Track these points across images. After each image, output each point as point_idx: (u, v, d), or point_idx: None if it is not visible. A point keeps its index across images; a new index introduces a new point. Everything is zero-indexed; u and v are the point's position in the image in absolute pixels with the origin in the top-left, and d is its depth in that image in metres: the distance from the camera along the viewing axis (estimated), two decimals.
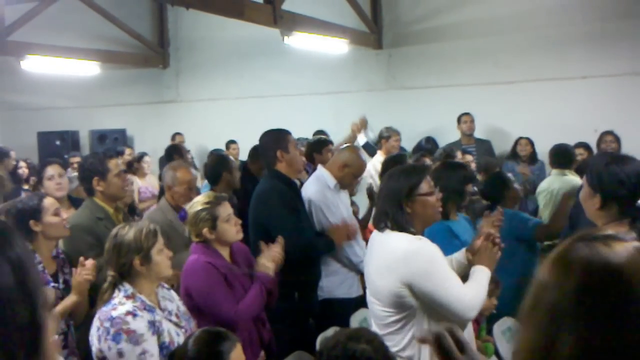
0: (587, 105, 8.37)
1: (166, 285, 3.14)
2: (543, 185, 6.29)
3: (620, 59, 8.32)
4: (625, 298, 1.12)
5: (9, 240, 1.10)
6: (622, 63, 8.31)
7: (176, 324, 2.96)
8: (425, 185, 2.94)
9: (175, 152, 7.61)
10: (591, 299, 1.12)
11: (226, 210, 3.36)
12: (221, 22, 8.04)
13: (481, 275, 2.90)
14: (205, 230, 3.29)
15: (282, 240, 3.58)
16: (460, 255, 3.20)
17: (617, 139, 7.19)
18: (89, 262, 3.30)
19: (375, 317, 2.98)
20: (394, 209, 2.89)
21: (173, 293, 3.16)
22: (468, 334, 3.03)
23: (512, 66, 8.94)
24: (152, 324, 2.82)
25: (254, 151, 6.18)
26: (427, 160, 5.89)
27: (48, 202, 3.56)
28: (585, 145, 7.40)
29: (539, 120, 8.52)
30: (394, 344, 2.78)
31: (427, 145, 8.47)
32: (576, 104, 8.48)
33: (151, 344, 2.76)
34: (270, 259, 3.44)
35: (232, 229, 3.38)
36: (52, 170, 4.85)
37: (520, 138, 8.19)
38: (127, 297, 2.85)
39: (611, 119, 7.59)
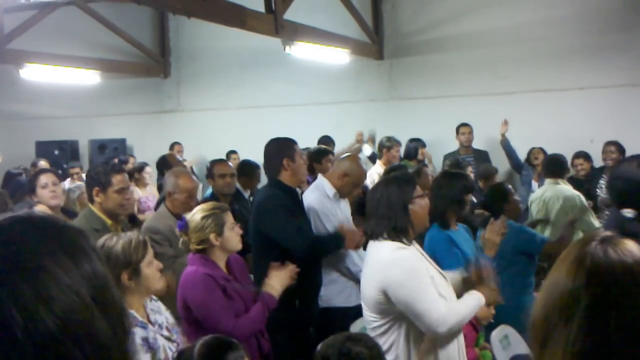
0: (583, 116, 8.44)
1: (154, 297, 3.07)
2: (536, 194, 6.36)
3: (616, 70, 8.40)
4: (622, 296, 1.17)
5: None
6: (618, 74, 8.40)
7: (168, 339, 2.90)
8: (419, 189, 3.09)
9: (165, 166, 7.50)
10: (630, 293, 1.17)
11: (230, 218, 3.38)
12: (223, 31, 8.07)
13: (471, 298, 2.97)
14: (212, 236, 3.26)
15: (294, 265, 3.56)
16: (456, 276, 3.25)
17: (620, 149, 7.21)
18: None
19: (365, 321, 3.09)
20: (399, 214, 2.96)
21: (160, 304, 3.08)
22: (460, 344, 3.07)
23: (510, 77, 9.01)
24: (145, 340, 2.75)
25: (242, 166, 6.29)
26: (427, 171, 5.92)
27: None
28: (585, 155, 7.51)
29: (536, 131, 8.59)
30: None
31: (418, 144, 8.53)
32: (573, 114, 8.56)
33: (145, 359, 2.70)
34: (279, 281, 3.42)
35: (236, 237, 3.38)
36: (45, 178, 4.79)
37: (534, 148, 8.21)
38: None
39: (607, 130, 7.64)
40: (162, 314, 3.03)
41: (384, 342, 2.90)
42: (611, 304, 1.16)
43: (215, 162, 5.89)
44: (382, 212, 3.02)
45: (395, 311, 2.88)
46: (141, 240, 2.89)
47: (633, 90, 8.34)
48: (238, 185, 6.10)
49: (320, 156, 6.03)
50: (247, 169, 6.47)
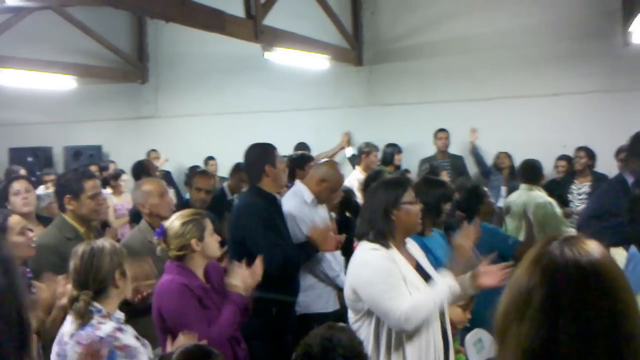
0: (557, 122, 8.60)
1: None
2: (510, 199, 6.43)
3: (588, 77, 8.61)
4: (608, 288, 1.23)
5: None
6: (591, 80, 8.60)
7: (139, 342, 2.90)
8: (409, 195, 3.09)
9: (142, 172, 7.40)
10: (580, 294, 1.21)
11: (210, 224, 3.36)
12: (202, 37, 8.05)
13: (437, 287, 2.98)
14: (193, 242, 3.23)
15: (261, 258, 3.52)
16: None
17: (590, 155, 7.35)
18: (52, 278, 3.19)
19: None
20: (379, 218, 3.01)
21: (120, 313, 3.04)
22: (436, 347, 3.07)
23: (487, 83, 9.15)
24: (137, 339, 2.80)
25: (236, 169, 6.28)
26: (410, 177, 5.96)
27: (13, 220, 3.42)
28: (567, 159, 7.78)
29: (512, 136, 8.74)
30: None
31: (394, 150, 8.61)
32: (547, 120, 8.73)
33: (145, 357, 2.73)
34: (239, 278, 3.37)
35: (216, 243, 3.36)
36: (18, 185, 4.70)
37: (500, 152, 8.32)
38: (103, 316, 2.78)
39: (581, 135, 7.76)
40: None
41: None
42: (561, 302, 1.21)
43: (197, 174, 5.83)
44: (366, 214, 3.12)
45: (364, 308, 2.98)
46: (120, 247, 2.95)
47: (604, 97, 8.54)
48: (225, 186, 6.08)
49: (303, 162, 5.99)
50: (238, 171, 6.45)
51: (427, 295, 2.95)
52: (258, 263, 3.46)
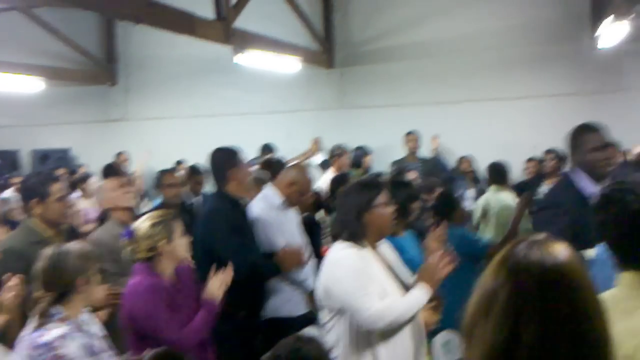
0: (528, 124, 8.74)
1: (86, 310, 3.02)
2: (480, 201, 6.55)
3: (558, 79, 8.80)
4: (571, 289, 1.26)
5: None
6: (560, 83, 8.79)
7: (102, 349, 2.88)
8: (382, 197, 3.09)
9: (111, 174, 7.32)
10: (542, 294, 1.24)
11: (179, 226, 3.33)
12: (172, 39, 8.01)
13: (413, 293, 2.99)
14: (162, 243, 3.20)
15: (231, 265, 3.50)
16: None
17: (559, 157, 7.44)
18: (15, 279, 3.15)
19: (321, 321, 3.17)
20: (352, 219, 3.02)
21: (92, 317, 3.05)
22: (407, 344, 3.09)
23: (457, 86, 9.25)
24: (87, 347, 2.74)
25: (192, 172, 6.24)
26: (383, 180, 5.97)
27: None
28: (536, 160, 7.89)
29: (482, 138, 8.85)
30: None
31: (361, 152, 8.67)
32: (517, 122, 8.87)
33: None
34: (218, 286, 3.36)
35: (185, 245, 3.34)
36: None
37: (462, 157, 8.43)
38: (60, 320, 2.75)
39: (550, 137, 7.83)
40: (92, 326, 2.99)
41: (331, 338, 2.99)
42: (524, 302, 1.23)
43: (164, 172, 5.83)
44: (340, 216, 3.16)
45: (336, 307, 2.98)
46: (90, 250, 2.93)
47: (573, 99, 8.70)
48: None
49: (281, 166, 5.93)
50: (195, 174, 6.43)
51: (402, 298, 2.97)
52: (228, 270, 3.44)
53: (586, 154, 3.53)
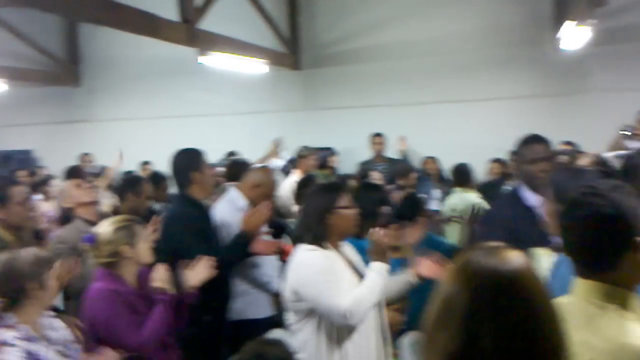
0: (492, 125, 8.81)
1: (51, 314, 3.03)
2: (446, 203, 6.62)
3: (522, 82, 8.93)
4: (526, 295, 1.29)
5: None
6: (523, 86, 8.92)
7: (61, 353, 2.85)
8: (344, 200, 3.12)
9: (74, 176, 7.21)
10: (497, 300, 1.26)
11: (142, 230, 3.33)
12: (137, 40, 7.93)
13: (370, 275, 3.06)
14: (124, 248, 3.20)
15: (208, 259, 3.48)
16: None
17: None
18: None
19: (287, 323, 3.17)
20: (316, 221, 3.06)
21: (58, 322, 3.03)
22: (372, 343, 3.14)
23: (423, 88, 9.35)
24: (31, 354, 2.71)
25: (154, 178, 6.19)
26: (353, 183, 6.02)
27: None
28: (501, 161, 7.97)
29: (447, 140, 8.95)
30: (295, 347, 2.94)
31: (327, 153, 8.74)
32: (482, 124, 8.97)
33: None
34: (162, 278, 3.33)
35: (147, 249, 3.32)
36: None
37: (426, 157, 8.51)
38: (7, 327, 2.72)
39: (514, 138, 7.92)
40: (59, 331, 2.97)
41: (298, 340, 3.01)
42: (484, 308, 1.26)
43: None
44: (304, 218, 3.17)
45: (305, 309, 3.00)
46: (46, 255, 2.90)
47: (536, 101, 8.84)
48: None
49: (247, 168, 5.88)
50: (156, 180, 6.34)
51: (364, 287, 3.00)
52: (203, 262, 3.43)
53: (525, 166, 3.60)
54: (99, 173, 8.90)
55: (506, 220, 3.48)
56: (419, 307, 3.52)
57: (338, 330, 3.01)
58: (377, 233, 3.23)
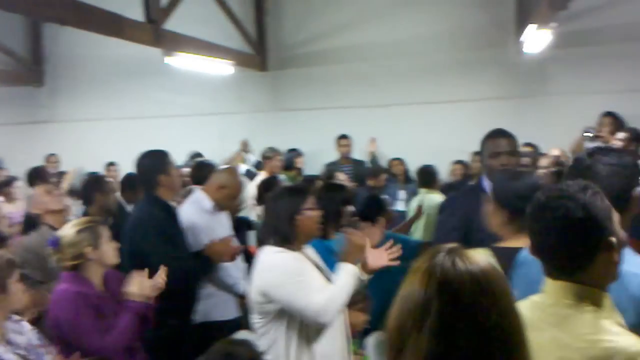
0: (456, 127, 8.90)
1: (16, 317, 2.99)
2: (412, 204, 6.69)
3: (485, 84, 9.03)
4: (497, 293, 1.31)
5: None
6: (487, 88, 9.02)
7: (23, 357, 2.81)
8: (310, 202, 3.18)
9: (36, 178, 7.13)
10: (474, 302, 1.28)
11: (106, 231, 3.31)
12: (102, 39, 7.85)
13: (341, 275, 3.09)
14: (88, 250, 3.17)
15: (164, 269, 3.46)
16: None
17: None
18: None
19: (253, 326, 3.17)
20: (284, 223, 3.09)
21: (24, 326, 3.00)
22: (340, 343, 3.18)
23: (389, 90, 9.41)
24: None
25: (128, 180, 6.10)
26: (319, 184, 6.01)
27: None
28: (463, 163, 8.15)
29: (413, 141, 9.02)
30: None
31: (293, 154, 8.78)
32: (447, 125, 9.05)
33: None
34: (138, 286, 3.32)
35: (112, 251, 3.31)
36: None
37: (393, 159, 8.59)
38: None
39: (477, 139, 8.03)
40: (25, 335, 2.93)
41: (265, 342, 3.02)
42: (460, 310, 1.26)
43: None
44: (271, 221, 3.17)
45: (274, 310, 3.01)
46: (8, 258, 2.85)
47: (499, 103, 8.93)
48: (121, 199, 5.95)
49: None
50: (131, 183, 6.30)
51: (335, 287, 3.04)
52: (161, 273, 3.41)
53: (487, 159, 3.66)
54: (61, 175, 8.81)
55: (464, 209, 3.55)
56: (381, 307, 3.58)
57: (306, 331, 3.03)
58: (354, 235, 3.28)
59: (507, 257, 2.30)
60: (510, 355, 1.28)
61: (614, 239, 1.72)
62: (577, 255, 1.73)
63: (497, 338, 1.27)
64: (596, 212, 1.71)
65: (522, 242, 2.85)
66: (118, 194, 6.53)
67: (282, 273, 2.99)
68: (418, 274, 1.33)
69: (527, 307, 1.79)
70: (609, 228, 1.73)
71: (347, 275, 3.08)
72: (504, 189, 2.94)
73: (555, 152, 6.55)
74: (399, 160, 8.64)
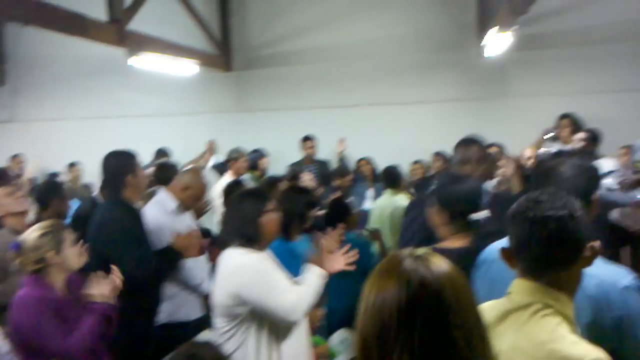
0: (420, 128, 9.05)
1: None
2: (376, 204, 6.74)
3: (448, 86, 9.15)
4: (464, 296, 1.36)
5: None
6: (449, 89, 9.14)
7: None
8: (271, 204, 3.22)
9: None
10: (458, 302, 1.34)
11: (70, 235, 3.29)
12: (64, 39, 7.79)
13: (309, 277, 3.15)
14: (50, 254, 3.16)
15: (115, 268, 3.45)
16: None
17: (445, 159, 7.75)
18: None
19: (216, 328, 3.15)
20: (249, 225, 3.11)
21: None
22: (304, 341, 3.24)
23: (353, 91, 9.49)
24: None
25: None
26: (283, 185, 6.04)
27: None
28: (420, 163, 8.21)
29: (378, 142, 9.12)
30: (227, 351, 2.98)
31: (257, 155, 8.77)
32: (411, 126, 9.17)
33: None
34: (102, 288, 3.32)
35: (76, 255, 3.29)
36: None
37: (361, 159, 8.65)
38: None
39: (439, 140, 8.15)
40: None
41: (232, 345, 3.02)
42: (447, 308, 1.32)
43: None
44: (235, 223, 3.17)
45: (244, 313, 3.00)
46: None
47: (461, 105, 9.07)
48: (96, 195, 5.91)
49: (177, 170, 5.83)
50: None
51: (304, 286, 3.09)
52: (116, 272, 3.40)
53: (456, 166, 3.76)
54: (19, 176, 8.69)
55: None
56: (344, 306, 3.63)
57: (275, 332, 3.06)
58: (327, 239, 3.34)
59: (447, 256, 2.38)
60: (475, 348, 1.34)
61: (594, 247, 1.76)
62: (557, 260, 1.76)
63: (467, 333, 1.32)
64: (583, 221, 1.76)
65: (460, 242, 2.98)
66: (97, 193, 6.48)
67: (253, 274, 2.99)
68: (391, 279, 1.36)
69: (491, 309, 1.85)
70: (588, 237, 1.77)
71: (315, 277, 3.14)
72: (445, 192, 3.09)
73: (528, 152, 6.65)
74: (366, 160, 8.70)
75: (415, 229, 3.66)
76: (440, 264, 1.39)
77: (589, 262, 1.77)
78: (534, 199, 1.79)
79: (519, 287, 1.82)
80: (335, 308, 3.85)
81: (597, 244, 1.78)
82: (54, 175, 8.18)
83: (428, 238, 3.36)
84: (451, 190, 3.08)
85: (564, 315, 1.75)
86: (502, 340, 1.74)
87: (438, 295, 1.32)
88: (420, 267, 1.36)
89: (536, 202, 1.77)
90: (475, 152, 3.74)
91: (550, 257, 1.75)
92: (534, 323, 1.74)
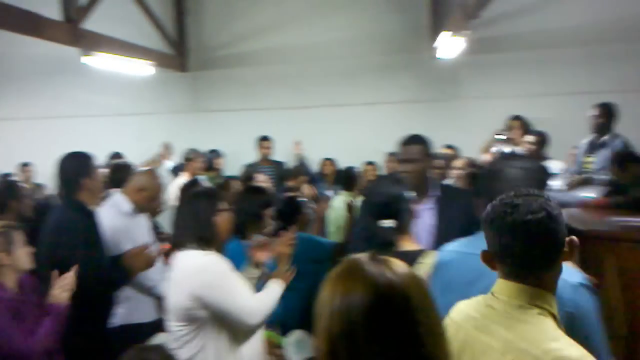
0: (374, 129, 9.14)
1: None
2: (332, 205, 6.72)
3: (401, 87, 9.31)
4: (424, 297, 1.40)
5: None
6: (403, 91, 9.30)
7: None
8: (223, 204, 3.20)
9: None
10: (424, 304, 1.39)
11: (21, 236, 3.28)
12: (16, 38, 7.69)
13: (271, 286, 3.22)
14: (2, 255, 3.16)
15: (75, 269, 3.43)
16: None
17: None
18: None
19: (170, 332, 3.08)
20: (206, 225, 3.08)
21: None
22: (260, 342, 3.26)
23: (309, 92, 9.57)
24: None
25: None
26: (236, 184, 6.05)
27: None
28: (374, 163, 8.30)
29: (333, 143, 9.22)
30: (184, 356, 2.94)
31: (213, 155, 8.83)
32: (365, 127, 9.27)
33: None
34: (62, 289, 3.32)
35: (27, 256, 3.28)
36: None
37: (325, 159, 8.72)
38: None
39: (393, 142, 8.24)
40: None
41: (191, 350, 2.97)
42: (414, 308, 1.36)
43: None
44: (189, 223, 3.12)
45: (202, 316, 2.95)
46: None
47: (414, 106, 9.23)
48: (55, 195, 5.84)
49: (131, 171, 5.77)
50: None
51: (265, 293, 3.14)
52: (69, 274, 3.39)
53: (398, 165, 3.83)
54: None
55: None
56: (301, 309, 3.68)
57: (235, 335, 3.04)
58: (282, 242, 3.40)
59: (402, 259, 2.46)
60: (438, 345, 1.39)
61: (573, 241, 1.78)
62: (541, 262, 1.76)
63: (431, 331, 1.37)
64: (560, 217, 1.76)
65: (413, 246, 3.04)
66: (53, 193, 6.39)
67: (213, 275, 2.95)
68: (356, 283, 1.38)
69: (472, 308, 1.89)
70: (565, 232, 1.79)
71: (275, 284, 3.22)
72: (369, 195, 3.17)
73: (487, 157, 6.79)
74: (329, 160, 8.78)
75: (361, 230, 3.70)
76: (401, 266, 1.43)
77: (569, 256, 1.78)
78: (510, 204, 1.76)
79: (505, 288, 1.81)
80: (290, 306, 3.89)
81: (574, 237, 1.79)
82: (6, 176, 8.05)
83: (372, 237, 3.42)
84: (373, 194, 3.13)
85: (552, 316, 1.76)
86: (493, 337, 1.78)
87: (405, 296, 1.35)
88: (383, 270, 1.38)
89: (513, 207, 1.75)
90: (416, 151, 3.79)
91: (534, 260, 1.75)
92: (524, 321, 1.74)
